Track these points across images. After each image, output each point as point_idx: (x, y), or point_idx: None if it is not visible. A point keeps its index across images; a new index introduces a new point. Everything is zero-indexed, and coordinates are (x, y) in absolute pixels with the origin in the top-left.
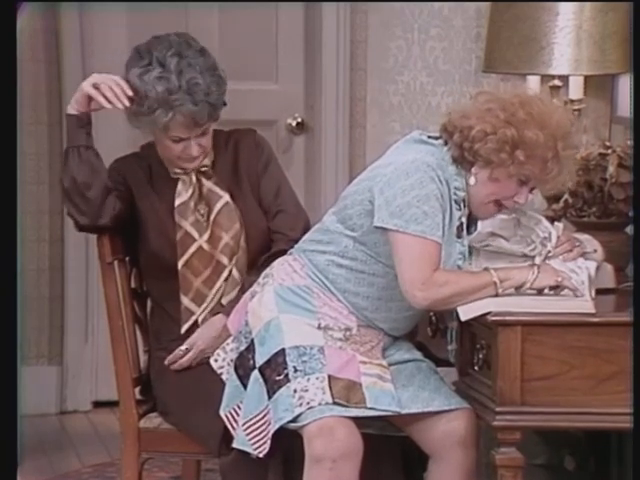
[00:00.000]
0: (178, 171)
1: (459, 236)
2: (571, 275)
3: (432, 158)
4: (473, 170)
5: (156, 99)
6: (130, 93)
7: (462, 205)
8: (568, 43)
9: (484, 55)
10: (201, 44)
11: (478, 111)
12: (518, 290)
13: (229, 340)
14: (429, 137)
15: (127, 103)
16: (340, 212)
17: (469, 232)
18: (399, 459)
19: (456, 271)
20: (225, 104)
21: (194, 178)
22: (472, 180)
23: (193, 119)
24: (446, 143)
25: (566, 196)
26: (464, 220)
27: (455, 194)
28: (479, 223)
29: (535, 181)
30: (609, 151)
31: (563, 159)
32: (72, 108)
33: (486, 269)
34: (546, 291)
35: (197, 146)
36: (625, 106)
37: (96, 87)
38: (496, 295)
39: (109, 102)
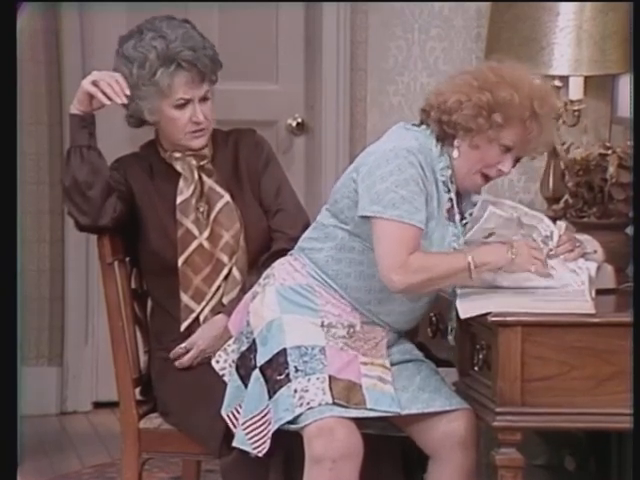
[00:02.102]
0: (178, 155)
1: (451, 219)
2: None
3: (415, 143)
4: (455, 143)
5: (157, 56)
6: (128, 92)
7: (450, 184)
8: (568, 43)
9: (484, 55)
10: None
11: (452, 85)
12: (495, 272)
13: (230, 341)
14: (413, 125)
15: (125, 100)
16: (332, 207)
17: (463, 217)
18: (399, 459)
19: (433, 255)
20: (221, 66)
21: (196, 175)
22: (455, 153)
23: (196, 68)
24: (428, 126)
25: (566, 196)
26: (453, 197)
27: (442, 175)
28: (480, 223)
29: (517, 144)
30: (609, 152)
31: (542, 118)
32: (75, 108)
33: (462, 252)
34: (540, 286)
35: (202, 111)
36: (625, 106)
37: (95, 84)
38: (470, 279)
39: (108, 99)
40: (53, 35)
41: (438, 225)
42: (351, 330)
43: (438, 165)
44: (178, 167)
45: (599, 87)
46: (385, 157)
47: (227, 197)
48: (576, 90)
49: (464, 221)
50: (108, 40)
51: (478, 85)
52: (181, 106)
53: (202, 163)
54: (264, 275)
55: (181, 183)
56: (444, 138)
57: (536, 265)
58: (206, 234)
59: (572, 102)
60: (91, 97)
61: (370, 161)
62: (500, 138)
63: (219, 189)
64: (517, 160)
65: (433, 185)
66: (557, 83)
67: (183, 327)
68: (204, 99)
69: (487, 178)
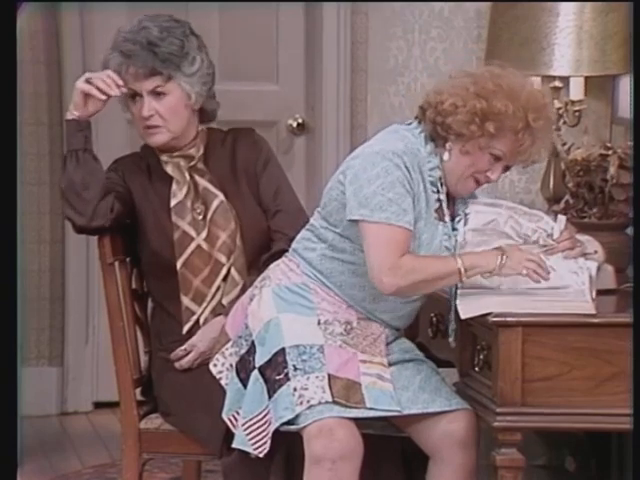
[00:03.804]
0: (166, 158)
1: (441, 218)
2: (540, 262)
3: (401, 144)
4: (447, 146)
5: (111, 44)
6: (120, 82)
7: (439, 185)
8: (569, 44)
9: (485, 56)
10: (188, 26)
11: (451, 87)
12: (483, 276)
13: (228, 345)
14: (406, 124)
15: (118, 92)
16: (322, 210)
17: (456, 214)
18: (399, 460)
19: (423, 257)
20: (180, 67)
21: (187, 176)
22: (446, 155)
23: (131, 60)
24: (421, 123)
25: (567, 197)
26: (442, 198)
27: (430, 176)
28: (470, 217)
29: (508, 154)
30: (610, 152)
31: (535, 131)
32: (71, 113)
33: (453, 255)
34: (539, 287)
35: (148, 105)
36: (626, 107)
37: (89, 82)
38: (460, 282)
39: (103, 93)
40: (53, 35)
41: (427, 225)
42: (348, 327)
43: (427, 165)
44: (169, 170)
45: (600, 87)
46: (371, 160)
47: (221, 197)
48: (577, 90)
49: (457, 219)
50: (108, 40)
51: (475, 91)
52: (133, 98)
53: (192, 164)
54: (260, 277)
55: (174, 186)
56: (436, 138)
57: (528, 269)
58: (204, 235)
59: (573, 102)
60: (86, 98)
61: (356, 164)
62: (491, 147)
63: (213, 189)
64: (507, 168)
65: (420, 186)
66: (558, 84)
67: (185, 330)
68: (157, 94)
69: (479, 182)
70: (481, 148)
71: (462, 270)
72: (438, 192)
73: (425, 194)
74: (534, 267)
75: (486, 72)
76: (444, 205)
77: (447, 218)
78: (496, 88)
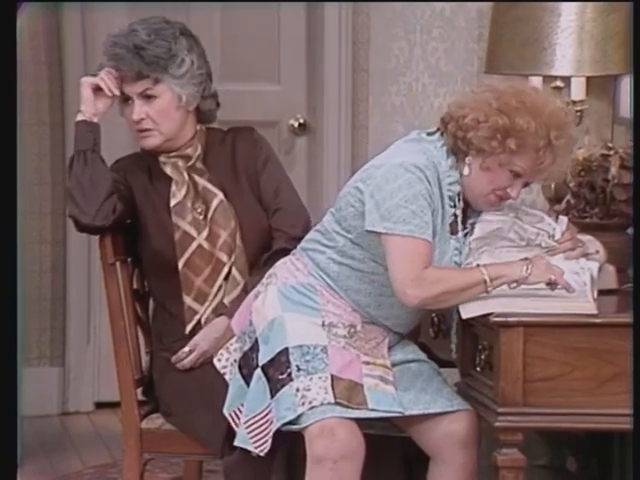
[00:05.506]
0: (164, 159)
1: (453, 232)
2: (565, 271)
3: (423, 157)
4: (467, 160)
5: (103, 49)
6: (116, 74)
7: (457, 200)
8: (570, 44)
9: (486, 56)
10: (179, 27)
11: (473, 101)
12: (510, 287)
13: (232, 340)
14: (428, 133)
15: (117, 92)
16: (336, 213)
17: (465, 227)
18: (400, 460)
19: (447, 268)
20: (167, 70)
21: (186, 176)
22: (466, 170)
23: (122, 67)
24: (442, 135)
25: (568, 197)
26: (458, 213)
27: (449, 190)
28: (476, 227)
29: (528, 171)
30: (611, 152)
31: (557, 149)
32: (81, 114)
33: (477, 266)
34: (541, 287)
35: (139, 109)
36: (627, 107)
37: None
38: (486, 292)
39: (109, 89)
40: (54, 36)
41: (440, 241)
42: (352, 330)
43: (446, 180)
44: (168, 170)
45: (601, 88)
46: (394, 172)
47: (220, 195)
48: (578, 91)
49: (465, 230)
50: None
51: (498, 107)
52: (126, 101)
53: (190, 163)
54: (267, 274)
55: (173, 186)
56: (456, 152)
57: (555, 274)
58: (205, 234)
59: (574, 103)
60: (95, 93)
61: (378, 175)
62: (511, 163)
63: (212, 188)
64: (527, 184)
65: (439, 201)
66: (559, 84)
67: (188, 329)
68: (147, 97)
69: (501, 199)
70: (501, 164)
71: (487, 280)
72: (454, 207)
73: (442, 209)
74: (559, 275)
75: (509, 88)
76: (459, 220)
77: (460, 233)
78: (519, 105)
